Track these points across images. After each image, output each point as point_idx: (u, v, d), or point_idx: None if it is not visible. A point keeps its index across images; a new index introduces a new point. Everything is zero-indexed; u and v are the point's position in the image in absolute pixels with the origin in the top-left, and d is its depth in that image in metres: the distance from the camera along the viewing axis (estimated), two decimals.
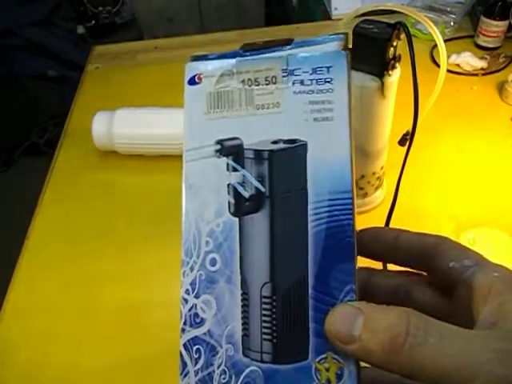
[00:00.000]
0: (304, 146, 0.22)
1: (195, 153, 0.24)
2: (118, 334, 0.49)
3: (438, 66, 0.50)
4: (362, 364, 0.20)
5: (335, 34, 0.23)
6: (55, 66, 1.61)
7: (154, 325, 0.50)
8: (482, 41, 0.84)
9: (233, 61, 0.24)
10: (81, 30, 1.65)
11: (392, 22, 0.48)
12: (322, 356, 0.21)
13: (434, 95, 0.49)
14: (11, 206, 1.29)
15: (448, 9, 0.90)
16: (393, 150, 0.53)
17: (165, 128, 0.65)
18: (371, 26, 0.48)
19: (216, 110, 0.24)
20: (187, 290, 0.23)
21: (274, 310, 0.22)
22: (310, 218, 0.22)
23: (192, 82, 0.25)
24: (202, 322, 0.23)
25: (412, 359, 0.18)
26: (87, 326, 0.50)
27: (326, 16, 1.00)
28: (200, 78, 0.25)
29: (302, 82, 0.23)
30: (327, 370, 0.21)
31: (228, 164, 0.23)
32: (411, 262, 0.25)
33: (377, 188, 0.58)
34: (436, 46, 0.48)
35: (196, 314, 0.23)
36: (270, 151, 0.22)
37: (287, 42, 0.24)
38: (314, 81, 0.22)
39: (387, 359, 0.18)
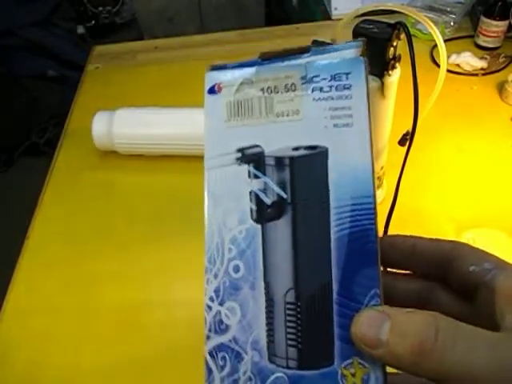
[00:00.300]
0: (325, 151, 0.22)
1: (216, 161, 0.24)
2: (118, 334, 0.49)
3: (438, 65, 0.50)
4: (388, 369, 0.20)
5: (353, 41, 0.23)
6: (55, 66, 1.61)
7: (154, 325, 0.50)
8: (482, 41, 0.84)
9: (252, 69, 0.24)
10: (81, 30, 1.65)
11: (392, 21, 0.48)
12: (348, 361, 0.21)
13: (434, 95, 0.49)
14: (11, 206, 1.29)
15: (448, 9, 0.90)
16: (393, 150, 0.53)
17: (165, 128, 0.65)
18: (371, 26, 0.48)
19: (236, 118, 0.24)
20: (211, 297, 0.23)
21: (298, 315, 0.22)
22: (332, 224, 0.22)
23: (212, 91, 0.25)
24: (227, 328, 0.23)
25: (440, 364, 0.18)
26: (87, 326, 0.50)
27: (326, 16, 1.00)
28: (220, 88, 0.25)
29: (321, 89, 0.23)
30: (353, 375, 0.21)
31: (249, 171, 0.23)
32: (429, 268, 0.25)
33: (377, 188, 0.58)
34: (436, 45, 0.48)
35: (220, 321, 0.23)
36: (291, 158, 0.23)
37: (305, 50, 0.24)
38: (333, 87, 0.23)
39: (415, 363, 0.18)
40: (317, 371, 0.21)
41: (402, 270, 0.26)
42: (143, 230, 0.59)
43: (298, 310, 0.22)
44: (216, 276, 0.23)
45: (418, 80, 0.45)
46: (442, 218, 0.57)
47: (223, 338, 0.23)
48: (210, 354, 0.23)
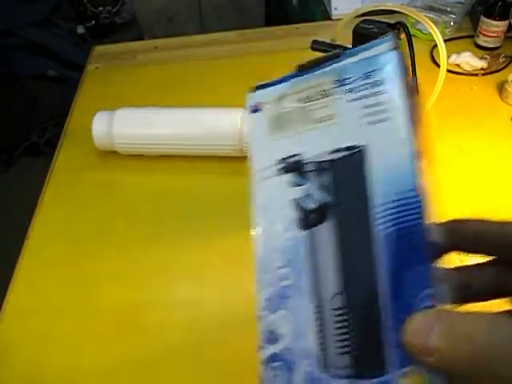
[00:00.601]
0: (362, 150, 0.22)
1: (261, 175, 0.25)
2: (118, 334, 0.49)
3: (438, 66, 0.50)
4: None
5: (385, 36, 0.23)
6: (55, 66, 1.61)
7: (154, 325, 0.50)
8: (482, 41, 0.84)
9: (288, 83, 0.25)
10: (81, 30, 1.65)
11: (392, 21, 0.48)
12: (406, 369, 0.19)
13: (434, 95, 0.49)
14: (11, 206, 1.29)
15: (448, 9, 0.90)
16: None
17: (165, 128, 0.65)
18: (371, 26, 0.48)
19: (277, 131, 0.25)
20: (262, 306, 0.23)
21: (347, 322, 0.21)
22: (377, 223, 0.21)
23: (253, 110, 0.27)
24: (279, 338, 0.23)
25: (499, 370, 0.16)
26: (87, 326, 0.50)
27: (326, 16, 1.00)
28: (260, 106, 0.26)
29: (353, 90, 0.23)
30: None
31: (291, 180, 0.24)
32: (495, 251, 0.23)
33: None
34: (436, 46, 0.48)
35: (272, 331, 0.23)
36: (330, 161, 0.23)
37: (337, 56, 0.24)
38: (366, 85, 0.23)
39: (470, 370, 0.17)
40: (371, 381, 0.20)
41: (468, 253, 0.25)
42: (143, 229, 0.59)
43: (347, 315, 0.21)
44: (266, 285, 0.24)
45: (418, 80, 0.45)
46: (442, 217, 0.57)
47: (276, 348, 0.23)
48: (264, 364, 0.23)
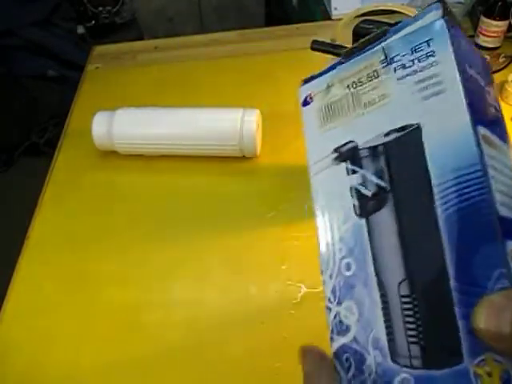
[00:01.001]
0: (417, 129, 0.21)
1: (317, 166, 0.24)
2: (118, 334, 0.49)
3: None
4: None
5: (431, 4, 0.22)
6: (55, 66, 1.61)
7: (154, 325, 0.50)
8: (482, 41, 0.84)
9: (334, 71, 0.25)
10: (81, 30, 1.65)
11: (392, 21, 0.48)
12: (480, 358, 0.18)
13: None
14: (11, 206, 1.29)
15: None
16: None
17: (165, 128, 0.65)
18: (371, 26, 0.48)
19: (329, 121, 0.25)
20: (329, 298, 0.23)
21: (415, 309, 0.20)
22: (437, 203, 0.20)
23: (305, 103, 0.26)
24: (348, 328, 0.22)
25: None
26: (87, 325, 0.50)
27: (326, 16, 1.00)
28: (311, 97, 0.26)
29: (403, 66, 0.22)
30: (489, 374, 0.18)
31: (347, 168, 0.23)
32: None
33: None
34: None
35: (341, 322, 0.23)
36: (383, 144, 0.22)
37: (383, 34, 0.23)
38: (416, 60, 0.22)
39: None
40: (445, 370, 0.19)
41: None
42: (143, 229, 0.59)
43: (415, 302, 0.20)
44: (331, 277, 0.23)
45: None
46: None
47: (345, 339, 0.22)
48: (336, 355, 0.22)
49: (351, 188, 0.23)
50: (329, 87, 0.25)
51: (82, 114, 0.77)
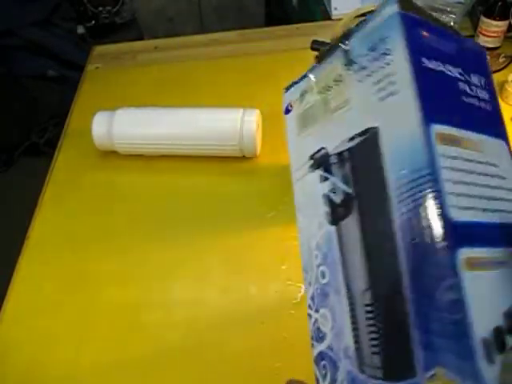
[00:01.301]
0: (374, 132, 0.20)
1: (298, 173, 0.25)
2: (118, 334, 0.49)
3: None
4: None
5: None
6: (55, 66, 1.61)
7: (154, 325, 0.50)
8: (482, 41, 0.84)
9: (307, 77, 0.25)
10: (81, 30, 1.65)
11: None
12: (431, 372, 0.17)
13: None
14: (11, 206, 1.29)
15: (448, 9, 0.90)
16: None
17: (165, 128, 0.65)
18: None
19: (305, 128, 0.24)
20: (309, 305, 0.23)
21: (376, 319, 0.20)
22: (394, 209, 0.19)
23: (287, 111, 0.26)
24: (324, 336, 0.22)
25: None
26: (87, 325, 0.50)
27: (326, 16, 1.00)
28: (291, 106, 0.26)
29: (363, 67, 0.21)
30: None
31: (320, 175, 0.23)
32: None
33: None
34: None
35: (318, 329, 0.23)
36: (347, 150, 0.22)
37: (347, 35, 0.22)
38: (373, 59, 0.21)
39: None
40: (399, 383, 0.18)
41: None
42: (143, 229, 0.59)
43: (376, 311, 0.20)
44: (310, 284, 0.23)
45: None
46: None
47: (322, 346, 0.22)
48: (315, 361, 0.22)
49: (323, 195, 0.23)
50: (302, 94, 0.25)
51: (81, 114, 0.77)
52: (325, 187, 0.23)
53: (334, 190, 0.22)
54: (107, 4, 1.63)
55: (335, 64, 0.23)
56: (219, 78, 0.82)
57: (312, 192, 0.23)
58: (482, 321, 0.16)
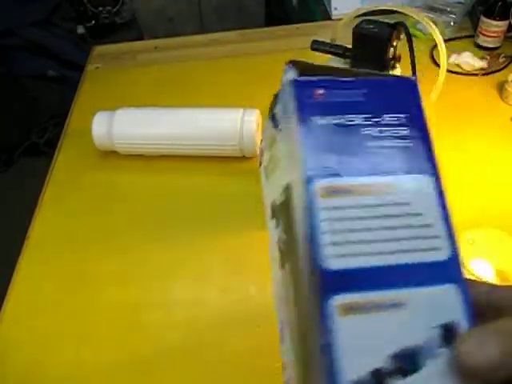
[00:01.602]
0: (288, 187, 0.21)
1: (266, 220, 0.25)
2: (118, 334, 0.49)
3: (438, 65, 0.50)
4: None
5: (287, 65, 0.22)
6: (55, 66, 1.61)
7: (154, 325, 0.50)
8: (482, 41, 0.84)
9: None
10: (81, 30, 1.65)
11: (392, 21, 0.48)
12: None
13: (434, 95, 0.49)
14: (11, 206, 1.29)
15: (448, 9, 0.90)
16: None
17: (165, 128, 0.65)
18: (371, 26, 0.48)
19: (268, 177, 0.24)
20: (279, 337, 0.24)
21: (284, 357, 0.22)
22: (302, 263, 0.19)
23: (260, 163, 0.26)
24: (286, 366, 0.23)
25: None
26: (87, 325, 0.50)
27: (326, 16, 1.00)
28: (262, 151, 0.26)
29: (281, 129, 0.22)
30: None
31: (275, 222, 0.23)
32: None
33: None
34: (436, 46, 0.48)
35: (283, 359, 0.23)
36: (281, 203, 0.22)
37: (277, 95, 0.23)
38: (286, 122, 0.21)
39: None
40: None
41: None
42: (143, 229, 0.59)
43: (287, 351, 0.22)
44: (278, 318, 0.25)
45: (418, 80, 0.45)
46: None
47: (285, 376, 0.23)
48: None
49: (276, 243, 0.23)
50: (262, 151, 0.25)
51: (82, 114, 0.77)
52: (276, 234, 0.23)
53: (280, 239, 0.23)
54: (107, 4, 1.63)
55: (270, 125, 0.23)
56: (219, 78, 0.82)
57: (272, 236, 0.24)
58: (356, 364, 0.17)
